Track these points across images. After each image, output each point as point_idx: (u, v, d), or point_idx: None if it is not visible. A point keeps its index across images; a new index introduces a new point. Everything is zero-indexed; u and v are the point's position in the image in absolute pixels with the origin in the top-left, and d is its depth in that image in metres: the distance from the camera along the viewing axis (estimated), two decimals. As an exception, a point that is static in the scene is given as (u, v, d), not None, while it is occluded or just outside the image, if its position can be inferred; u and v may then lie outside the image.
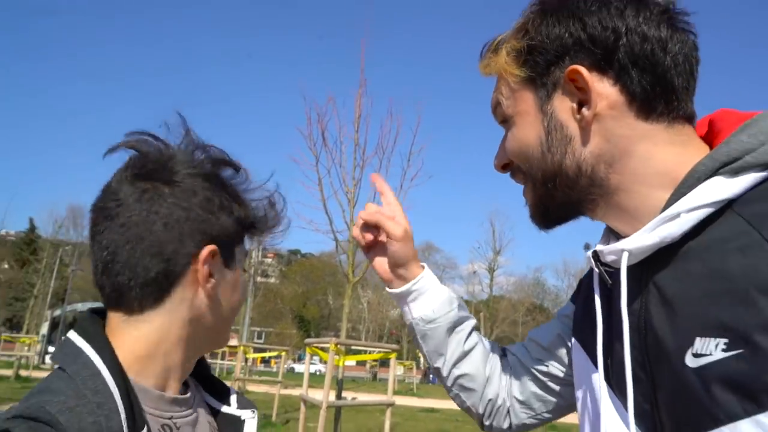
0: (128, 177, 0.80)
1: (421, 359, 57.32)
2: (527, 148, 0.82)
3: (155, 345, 0.80)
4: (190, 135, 0.88)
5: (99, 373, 0.71)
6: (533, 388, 1.07)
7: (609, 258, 0.77)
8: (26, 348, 21.93)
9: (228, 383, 1.01)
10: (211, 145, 0.91)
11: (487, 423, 1.13)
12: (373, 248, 1.12)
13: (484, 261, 46.88)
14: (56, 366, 0.74)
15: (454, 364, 1.10)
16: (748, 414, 0.60)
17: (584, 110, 0.77)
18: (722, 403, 0.62)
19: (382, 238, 1.09)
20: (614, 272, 0.78)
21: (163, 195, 0.80)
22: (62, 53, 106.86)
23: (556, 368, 1.04)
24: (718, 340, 0.63)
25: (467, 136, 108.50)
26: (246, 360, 15.23)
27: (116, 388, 0.70)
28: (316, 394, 7.42)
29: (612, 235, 0.85)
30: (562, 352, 1.04)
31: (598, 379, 0.81)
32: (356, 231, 1.11)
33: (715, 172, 0.69)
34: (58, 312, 41.52)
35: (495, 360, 1.12)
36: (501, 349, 1.16)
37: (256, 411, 0.98)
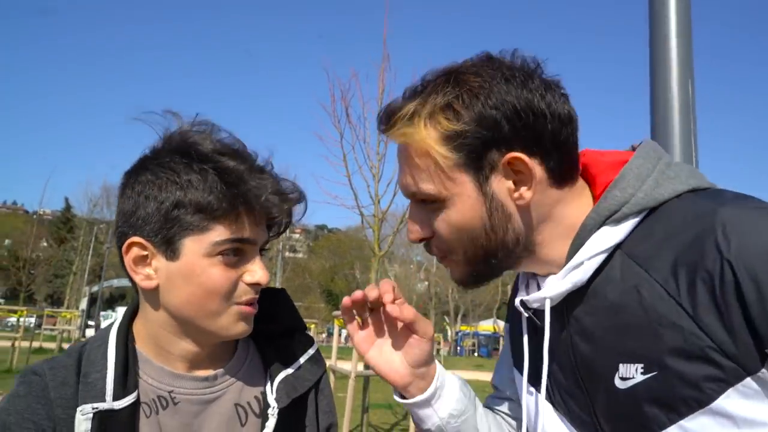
0: None
1: (449, 331, 57.20)
2: (469, 230, 0.84)
3: (146, 326, 0.92)
4: None
5: (106, 342, 0.89)
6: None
7: (534, 305, 0.90)
8: (67, 323, 22.75)
9: None
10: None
11: None
12: (367, 337, 0.95)
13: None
14: None
15: None
16: (672, 422, 0.74)
17: (523, 190, 0.83)
18: (651, 416, 0.76)
19: (395, 327, 0.95)
20: (540, 311, 0.89)
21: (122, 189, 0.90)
22: (105, 31, 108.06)
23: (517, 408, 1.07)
24: (636, 365, 0.77)
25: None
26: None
27: (113, 355, 0.87)
28: (345, 365, 7.62)
29: (530, 276, 0.96)
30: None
31: (535, 397, 0.94)
32: (349, 304, 0.92)
33: (602, 224, 0.83)
34: (95, 288, 42.91)
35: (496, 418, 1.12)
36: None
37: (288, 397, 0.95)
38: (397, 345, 0.95)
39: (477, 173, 0.82)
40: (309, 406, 1.00)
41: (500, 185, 0.83)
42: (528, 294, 0.93)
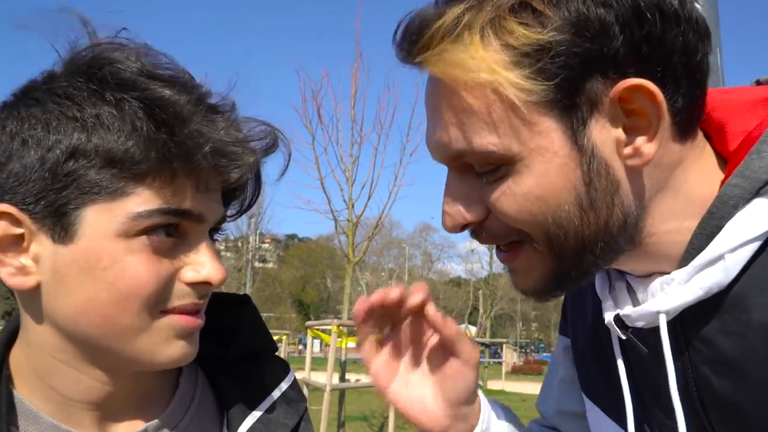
0: None
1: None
2: (554, 207, 0.56)
3: (28, 355, 0.59)
4: None
5: None
6: None
7: (639, 323, 0.62)
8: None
9: None
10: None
11: None
12: (387, 365, 0.70)
13: (481, 240, 47.04)
14: None
15: None
16: None
17: (640, 142, 0.56)
18: None
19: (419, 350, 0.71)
20: (638, 331, 0.64)
21: None
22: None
23: None
24: None
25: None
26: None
27: None
28: (319, 377, 7.43)
29: (612, 275, 0.68)
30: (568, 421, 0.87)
31: None
32: (367, 311, 0.66)
33: (755, 194, 0.55)
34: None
35: None
36: None
37: None
38: (430, 375, 0.69)
39: (569, 115, 0.55)
40: None
41: (604, 135, 0.56)
42: (615, 304, 0.66)
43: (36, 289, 0.56)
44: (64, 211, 0.54)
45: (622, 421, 0.67)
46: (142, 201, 0.54)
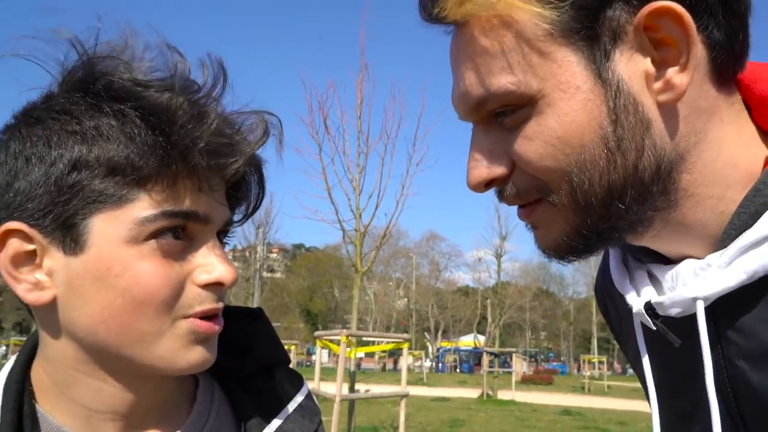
0: None
1: (430, 348, 57.06)
2: (578, 148, 0.52)
3: (48, 369, 0.60)
4: None
5: None
6: None
7: (673, 311, 0.57)
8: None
9: None
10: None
11: None
12: None
13: (490, 247, 46.76)
14: None
15: None
16: None
17: (671, 73, 0.51)
18: None
19: None
20: (667, 320, 0.59)
21: None
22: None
23: None
24: None
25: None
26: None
27: None
28: (328, 387, 7.40)
29: (633, 260, 0.64)
30: None
31: None
32: None
33: None
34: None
35: None
36: None
37: None
38: None
39: (591, 47, 0.51)
40: None
41: (631, 66, 0.51)
42: (638, 291, 0.61)
43: (53, 303, 0.56)
44: (72, 222, 0.55)
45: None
46: (146, 206, 0.55)
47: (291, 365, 0.80)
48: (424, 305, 57.14)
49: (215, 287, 0.59)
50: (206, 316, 0.59)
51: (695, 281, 0.55)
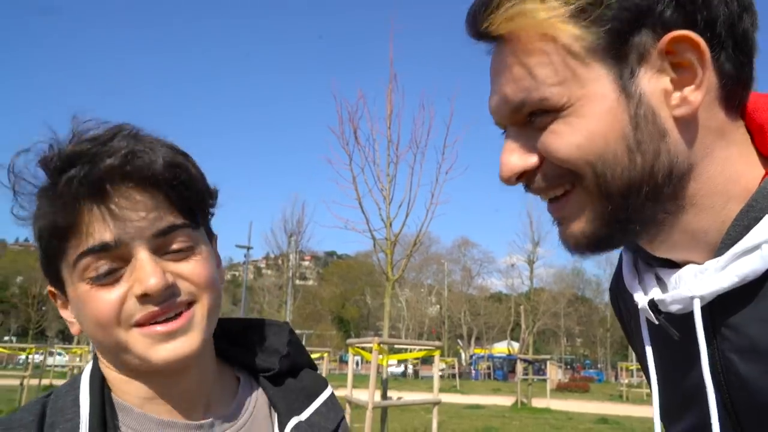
0: None
1: (463, 355, 56.51)
2: (604, 147, 0.60)
3: (110, 371, 0.77)
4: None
5: (76, 388, 0.74)
6: None
7: (673, 308, 0.65)
8: (78, 359, 22.68)
9: None
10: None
11: None
12: None
13: (522, 253, 46.17)
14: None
15: None
16: None
17: (687, 91, 0.59)
18: None
19: None
20: (670, 317, 0.66)
21: None
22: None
23: None
24: None
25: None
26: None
27: (86, 401, 0.72)
28: (360, 395, 7.40)
29: (641, 264, 0.71)
30: None
31: None
32: None
33: None
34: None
35: None
36: None
37: None
38: None
39: (619, 65, 0.60)
40: None
41: (652, 84, 0.60)
42: (646, 291, 0.69)
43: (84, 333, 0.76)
44: (57, 277, 0.73)
45: (676, 422, 0.71)
46: (73, 251, 0.68)
47: (323, 373, 0.88)
48: (456, 312, 56.79)
49: (145, 297, 0.69)
50: (146, 321, 0.70)
51: (693, 282, 0.62)
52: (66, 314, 0.76)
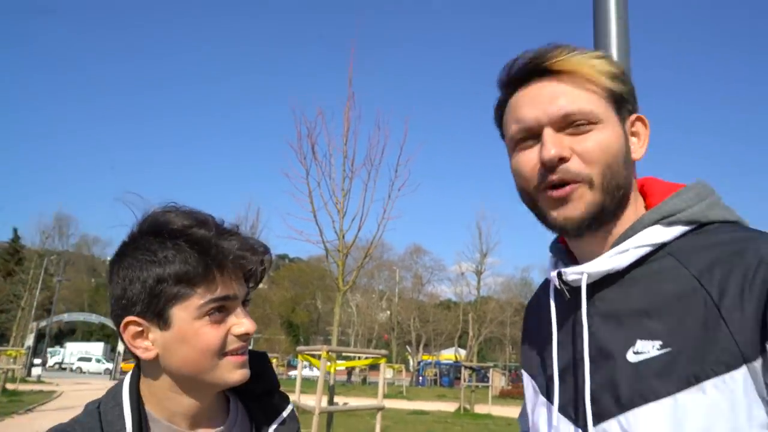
0: None
1: (411, 362, 56.04)
2: (613, 154, 0.92)
3: (151, 390, 1.00)
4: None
5: (120, 403, 0.97)
6: None
7: (570, 278, 0.96)
8: (12, 361, 21.48)
9: None
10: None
11: None
12: None
13: (471, 263, 46.87)
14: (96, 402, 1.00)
15: None
16: (669, 394, 0.82)
17: (637, 146, 0.98)
18: (651, 387, 0.83)
19: None
20: (569, 289, 0.98)
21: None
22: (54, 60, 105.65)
23: None
24: (654, 341, 0.85)
25: (455, 139, 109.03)
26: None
27: (129, 416, 0.95)
28: (308, 400, 7.60)
29: (560, 261, 1.08)
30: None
31: (546, 405, 1.01)
32: None
33: (655, 222, 0.93)
34: (44, 323, 40.83)
35: None
36: None
37: None
38: None
39: (621, 111, 0.95)
40: None
41: (629, 132, 0.97)
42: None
43: (156, 357, 0.96)
44: (162, 313, 0.94)
45: (544, 391, 1.03)
46: (200, 297, 0.94)
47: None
48: (406, 318, 56.83)
49: (243, 336, 1.01)
50: (239, 351, 1.01)
51: (587, 264, 0.95)
52: (139, 342, 0.95)
